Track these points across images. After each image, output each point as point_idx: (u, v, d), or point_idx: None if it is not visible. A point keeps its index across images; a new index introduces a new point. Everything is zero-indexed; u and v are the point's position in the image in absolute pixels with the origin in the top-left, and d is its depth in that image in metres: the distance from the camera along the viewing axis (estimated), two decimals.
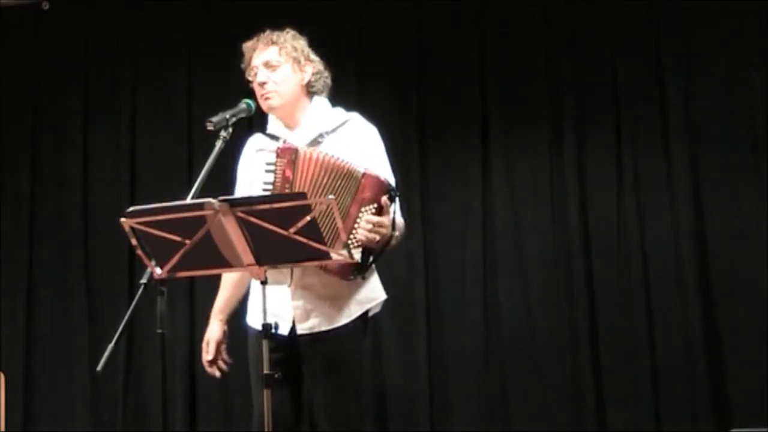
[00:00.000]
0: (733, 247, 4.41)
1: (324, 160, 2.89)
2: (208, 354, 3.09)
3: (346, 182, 2.87)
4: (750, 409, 4.24)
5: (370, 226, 2.83)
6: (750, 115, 4.44)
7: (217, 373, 3.11)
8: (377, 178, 2.89)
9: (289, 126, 3.08)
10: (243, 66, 3.15)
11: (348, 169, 2.89)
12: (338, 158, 2.91)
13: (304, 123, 3.07)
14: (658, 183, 4.54)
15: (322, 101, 3.13)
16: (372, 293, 3.05)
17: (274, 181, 2.89)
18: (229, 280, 3.15)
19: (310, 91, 3.11)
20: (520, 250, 4.65)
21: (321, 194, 2.84)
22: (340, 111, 3.14)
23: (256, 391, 3.01)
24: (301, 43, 3.14)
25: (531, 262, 4.63)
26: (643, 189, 4.55)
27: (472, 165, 4.75)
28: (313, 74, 3.11)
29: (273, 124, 3.11)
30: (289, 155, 2.89)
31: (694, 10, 4.55)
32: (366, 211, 2.87)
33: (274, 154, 2.91)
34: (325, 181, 2.88)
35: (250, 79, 3.11)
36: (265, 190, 2.91)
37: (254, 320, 3.04)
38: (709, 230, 4.44)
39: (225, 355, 3.11)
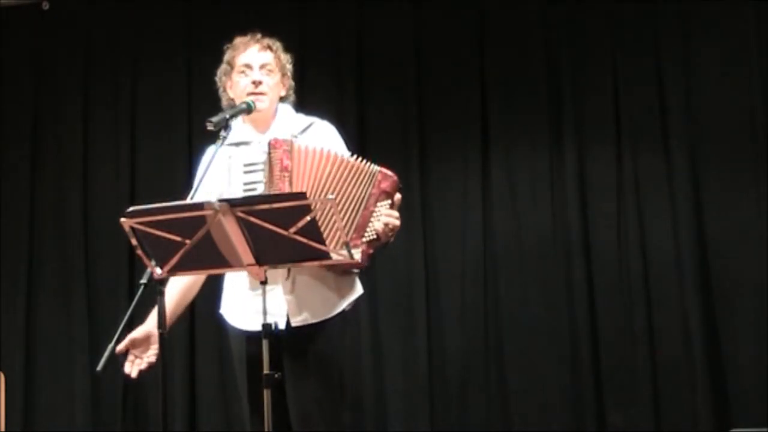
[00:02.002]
0: (733, 247, 4.41)
1: (330, 156, 2.93)
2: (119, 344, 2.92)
3: (359, 178, 2.94)
4: (750, 409, 4.24)
5: (389, 220, 2.93)
6: (750, 115, 4.45)
7: (127, 369, 2.92)
8: (392, 176, 2.99)
9: (258, 129, 3.11)
10: (227, 57, 3.16)
11: (361, 167, 2.95)
12: (344, 155, 2.96)
13: (273, 127, 3.12)
14: (658, 183, 4.54)
15: (286, 107, 3.20)
16: (355, 284, 3.09)
17: (271, 174, 2.89)
18: (175, 284, 3.00)
19: (280, 101, 3.18)
20: (520, 249, 4.66)
21: (325, 188, 2.88)
22: (302, 116, 3.20)
23: (244, 393, 3.00)
24: (289, 57, 3.20)
25: (531, 262, 4.64)
26: (643, 189, 4.55)
27: (472, 165, 4.75)
28: (288, 87, 3.18)
29: (240, 129, 3.10)
30: (284, 146, 2.91)
31: (694, 10, 4.55)
32: (382, 206, 2.96)
33: (259, 153, 2.93)
34: (329, 170, 2.91)
35: (236, 71, 3.12)
36: (246, 191, 2.93)
37: (239, 320, 3.03)
38: (709, 230, 4.45)
39: (152, 358, 2.91)
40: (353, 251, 2.73)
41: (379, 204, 2.96)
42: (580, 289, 4.54)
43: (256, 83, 3.07)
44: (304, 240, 2.52)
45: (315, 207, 2.53)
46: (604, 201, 4.60)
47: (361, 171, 2.95)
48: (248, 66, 3.10)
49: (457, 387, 4.66)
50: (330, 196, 2.66)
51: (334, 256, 2.62)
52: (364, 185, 2.95)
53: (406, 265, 4.71)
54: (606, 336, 4.51)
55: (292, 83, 3.20)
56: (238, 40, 3.17)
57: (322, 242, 2.57)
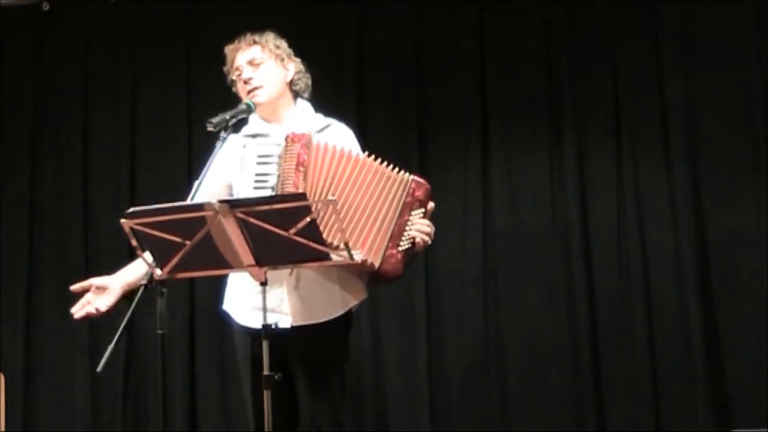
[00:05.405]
0: (733, 247, 4.41)
1: (352, 157, 2.94)
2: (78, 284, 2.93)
3: (391, 185, 2.94)
4: (750, 409, 4.24)
5: (424, 229, 2.96)
6: (750, 115, 4.45)
7: (74, 309, 2.89)
8: (425, 184, 3.00)
9: (271, 122, 3.11)
10: (225, 69, 3.19)
11: (392, 174, 2.96)
12: (374, 160, 2.95)
13: (287, 120, 3.11)
14: (658, 183, 4.54)
15: (306, 104, 3.21)
16: (360, 287, 3.08)
17: (283, 168, 2.88)
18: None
19: (293, 89, 3.18)
20: (519, 250, 4.66)
21: (345, 189, 2.88)
22: (321, 116, 3.20)
23: (248, 393, 3.00)
24: (283, 42, 3.19)
25: (531, 262, 4.64)
26: (643, 189, 4.55)
27: (472, 165, 4.75)
28: (295, 72, 3.19)
29: (254, 123, 3.11)
30: (302, 140, 2.90)
31: (694, 9, 4.55)
32: (416, 215, 2.98)
33: (274, 145, 2.93)
34: (349, 172, 2.91)
35: (233, 79, 3.17)
36: (257, 181, 2.92)
37: (244, 317, 3.02)
38: (709, 230, 4.45)
39: (102, 307, 2.87)
40: (354, 252, 2.73)
41: (413, 213, 2.97)
42: (580, 289, 4.54)
43: (246, 82, 3.09)
44: (305, 241, 2.52)
45: (315, 208, 2.52)
46: (604, 201, 4.60)
47: (393, 178, 2.95)
48: (239, 69, 3.13)
49: (457, 387, 4.66)
50: (331, 197, 2.66)
51: (334, 257, 2.62)
52: (397, 193, 2.95)
53: None
54: (606, 336, 4.51)
55: (299, 66, 3.19)
56: (227, 49, 3.20)
57: (323, 243, 2.56)
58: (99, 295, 2.89)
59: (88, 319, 2.91)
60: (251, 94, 3.08)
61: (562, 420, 4.51)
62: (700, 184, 4.48)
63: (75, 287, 2.90)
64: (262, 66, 3.11)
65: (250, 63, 3.11)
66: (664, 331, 4.44)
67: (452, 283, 4.73)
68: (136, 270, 2.93)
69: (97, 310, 2.88)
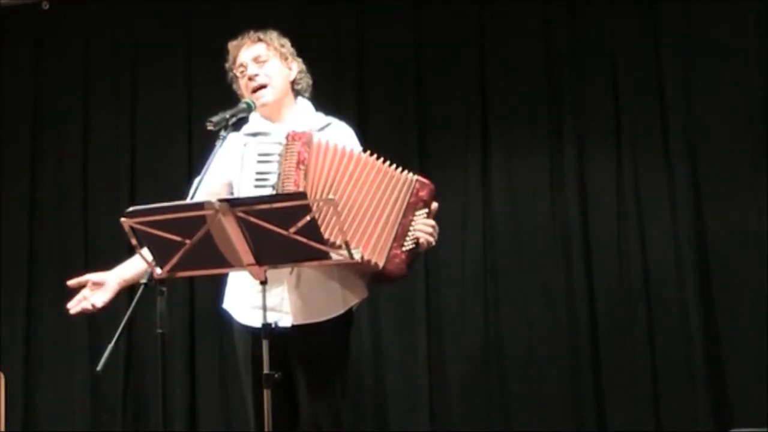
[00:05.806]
0: (733, 247, 4.41)
1: (353, 156, 2.93)
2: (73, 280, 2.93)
3: (395, 185, 2.94)
4: (750, 409, 4.24)
5: (429, 229, 2.97)
6: (750, 115, 4.45)
7: (70, 305, 2.91)
8: (429, 184, 3.01)
9: (273, 121, 3.10)
10: (227, 65, 3.18)
11: (396, 174, 2.95)
12: (375, 159, 2.95)
13: (288, 119, 3.11)
14: (658, 183, 4.54)
15: (306, 103, 3.20)
16: (361, 286, 3.08)
17: (286, 166, 2.88)
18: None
19: (294, 88, 3.18)
20: (520, 250, 4.65)
21: (348, 188, 2.87)
22: (321, 114, 3.20)
23: (249, 392, 3.00)
24: (287, 41, 3.19)
25: (531, 262, 4.63)
26: (643, 189, 4.55)
27: (472, 166, 4.75)
28: (298, 72, 3.19)
29: (255, 121, 3.11)
30: (303, 139, 2.90)
31: (694, 9, 4.55)
32: (419, 215, 2.98)
33: (275, 143, 2.92)
34: (351, 170, 2.90)
35: (236, 74, 3.15)
36: (258, 180, 2.92)
37: (245, 317, 3.02)
38: (709, 230, 4.45)
39: (98, 303, 2.89)
40: (353, 251, 2.73)
41: (417, 213, 2.97)
42: (580, 289, 4.53)
43: (252, 78, 3.09)
44: (305, 240, 2.52)
45: (317, 207, 2.52)
46: (604, 201, 4.59)
47: (397, 178, 2.95)
48: (243, 65, 3.13)
49: (457, 387, 4.66)
50: (331, 196, 2.66)
51: (333, 256, 2.62)
52: (401, 193, 2.95)
53: None
54: (606, 336, 4.51)
55: (301, 66, 3.19)
56: (230, 45, 3.19)
57: (323, 242, 2.56)
58: (95, 290, 2.91)
59: (84, 314, 2.92)
60: (257, 93, 3.07)
61: (562, 420, 4.51)
62: (700, 184, 4.48)
63: (71, 282, 2.91)
64: (268, 63, 3.11)
65: (256, 60, 3.11)
66: (664, 331, 4.44)
67: (452, 283, 4.73)
68: (134, 266, 2.94)
69: (93, 305, 2.90)
